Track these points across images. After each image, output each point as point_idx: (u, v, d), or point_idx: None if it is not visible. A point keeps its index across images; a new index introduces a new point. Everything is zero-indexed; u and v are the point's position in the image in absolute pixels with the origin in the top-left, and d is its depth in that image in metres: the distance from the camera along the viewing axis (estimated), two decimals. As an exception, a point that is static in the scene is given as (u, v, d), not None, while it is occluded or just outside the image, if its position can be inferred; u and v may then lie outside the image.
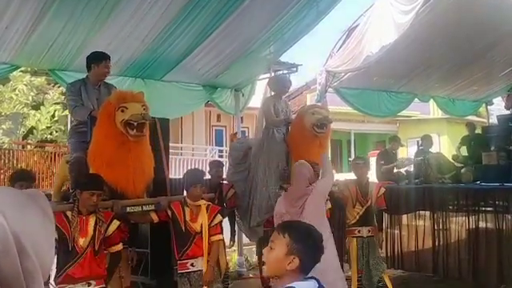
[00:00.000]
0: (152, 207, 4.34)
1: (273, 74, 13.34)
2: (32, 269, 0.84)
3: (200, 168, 13.37)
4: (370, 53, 6.46)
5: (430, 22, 6.41)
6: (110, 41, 5.62)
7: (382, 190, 5.66)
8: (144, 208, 4.32)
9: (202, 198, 4.43)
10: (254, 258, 8.47)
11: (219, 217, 4.43)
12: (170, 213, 4.30)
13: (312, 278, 2.00)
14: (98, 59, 4.88)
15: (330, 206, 5.16)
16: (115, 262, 3.95)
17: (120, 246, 3.91)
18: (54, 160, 10.78)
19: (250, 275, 7.81)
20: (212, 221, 4.32)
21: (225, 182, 6.25)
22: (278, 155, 5.97)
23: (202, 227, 4.25)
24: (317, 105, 6.56)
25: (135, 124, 4.11)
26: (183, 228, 4.24)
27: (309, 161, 5.21)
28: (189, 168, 13.68)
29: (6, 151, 10.36)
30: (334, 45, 7.37)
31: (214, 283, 4.44)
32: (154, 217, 4.34)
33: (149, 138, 4.51)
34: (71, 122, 5.16)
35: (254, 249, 8.66)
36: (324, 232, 4.24)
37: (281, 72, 12.68)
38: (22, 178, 4.47)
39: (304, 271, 2.00)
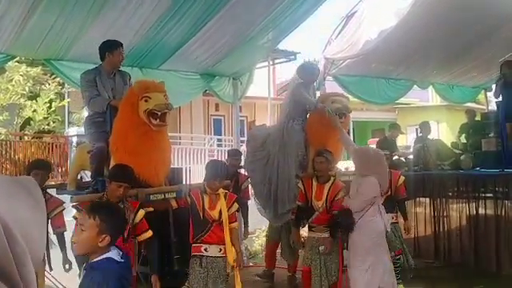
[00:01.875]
0: (173, 195, 4.46)
1: (271, 63, 13.35)
2: (21, 254, 0.83)
3: (203, 158, 13.43)
4: (368, 38, 6.41)
5: (428, 7, 6.33)
6: (105, 30, 5.53)
7: (402, 178, 5.64)
8: (166, 195, 4.44)
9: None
10: (254, 247, 8.49)
11: (236, 205, 4.50)
12: (189, 200, 4.38)
13: (115, 246, 2.40)
14: (112, 47, 4.88)
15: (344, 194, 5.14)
16: (152, 249, 4.04)
17: (150, 233, 3.97)
18: (52, 151, 10.76)
19: (250, 264, 7.82)
20: (230, 209, 4.41)
21: (242, 171, 6.28)
22: (297, 144, 5.94)
23: (220, 214, 4.33)
24: (337, 93, 6.46)
25: (159, 114, 4.18)
26: (201, 215, 4.31)
27: (326, 149, 5.21)
28: (188, 157, 13.71)
29: (3, 142, 10.32)
30: (333, 31, 7.30)
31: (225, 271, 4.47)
32: (174, 203, 4.49)
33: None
34: (90, 111, 5.11)
35: (254, 238, 8.68)
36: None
37: (280, 60, 12.69)
38: (38, 167, 4.53)
39: (113, 244, 2.38)
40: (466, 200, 6.17)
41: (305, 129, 5.98)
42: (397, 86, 8.77)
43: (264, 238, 7.45)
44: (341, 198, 4.96)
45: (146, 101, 4.19)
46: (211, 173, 4.41)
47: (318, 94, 6.71)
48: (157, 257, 4.03)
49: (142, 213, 3.91)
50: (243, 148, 7.62)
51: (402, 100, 16.07)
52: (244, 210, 6.17)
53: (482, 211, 6.01)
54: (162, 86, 4.41)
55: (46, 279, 4.56)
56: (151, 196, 4.30)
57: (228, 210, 4.36)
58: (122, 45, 4.94)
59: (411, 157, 8.09)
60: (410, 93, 9.85)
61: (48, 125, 11.65)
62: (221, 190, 4.41)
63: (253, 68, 7.93)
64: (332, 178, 5.10)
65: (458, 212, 6.31)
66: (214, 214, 4.31)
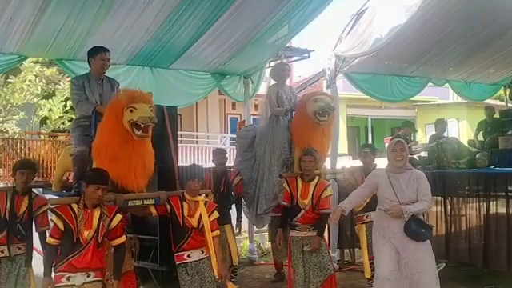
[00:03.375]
0: (152, 201, 4.44)
1: (284, 61, 13.30)
2: None
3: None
4: (379, 35, 6.33)
5: (440, 4, 6.24)
6: (114, 30, 5.64)
7: None
8: (144, 202, 4.43)
9: (199, 194, 4.51)
10: (266, 245, 8.50)
11: (216, 213, 4.52)
12: (168, 207, 4.41)
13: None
14: (93, 53, 5.02)
15: (331, 192, 5.18)
16: (121, 254, 4.03)
17: (123, 238, 3.99)
18: (65, 148, 10.96)
19: (262, 262, 7.84)
20: (210, 216, 4.43)
21: (231, 169, 6.27)
22: (281, 143, 5.97)
23: (199, 223, 4.36)
24: (319, 91, 6.49)
25: (142, 126, 4.23)
26: (181, 223, 4.36)
27: (314, 148, 5.21)
28: (204, 156, 13.79)
29: (19, 141, 10.57)
30: (343, 29, 7.23)
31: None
32: (153, 210, 4.47)
33: (156, 125, 4.54)
34: (77, 114, 5.26)
35: (267, 235, 8.70)
36: None
37: (293, 58, 12.59)
38: (24, 167, 4.57)
39: None
40: (478, 199, 6.05)
41: (290, 128, 5.98)
42: (411, 83, 8.63)
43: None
44: (328, 196, 5.00)
45: (131, 111, 4.23)
46: (188, 174, 4.51)
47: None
48: (122, 262, 4.03)
49: (118, 217, 3.90)
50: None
51: (422, 97, 15.89)
52: (238, 205, 6.18)
53: (494, 210, 5.89)
54: (148, 97, 4.44)
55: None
56: (129, 202, 4.31)
57: (210, 220, 4.39)
58: (105, 50, 5.02)
59: (423, 154, 7.98)
60: (429, 90, 9.68)
61: (63, 123, 11.89)
62: (200, 198, 4.43)
63: (263, 66, 7.93)
64: (317, 177, 5.12)
65: (469, 211, 6.19)
66: (194, 221, 4.35)
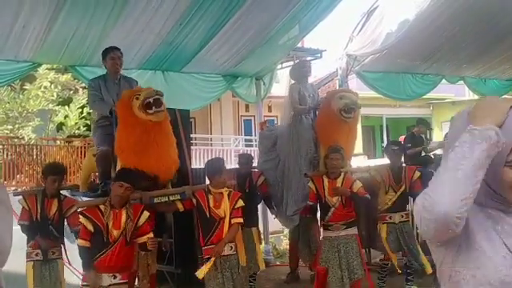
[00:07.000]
0: (178, 197, 4.49)
1: (297, 61, 13.29)
2: None
3: (227, 158, 13.51)
4: (389, 30, 6.28)
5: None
6: (125, 35, 5.70)
7: (417, 173, 5.45)
8: (170, 198, 4.48)
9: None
10: (282, 246, 8.49)
11: (241, 202, 4.47)
12: (194, 201, 4.42)
13: None
14: (104, 54, 5.20)
15: (361, 184, 5.04)
16: (142, 251, 4.13)
17: (149, 236, 4.01)
18: (81, 154, 11.11)
19: (277, 263, 7.82)
20: (234, 205, 4.40)
21: (255, 169, 6.20)
22: (306, 142, 5.91)
23: (225, 212, 4.35)
24: (345, 89, 6.41)
25: (151, 101, 4.33)
26: (208, 214, 4.35)
27: (338, 146, 5.15)
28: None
29: (35, 147, 10.76)
30: (354, 28, 7.18)
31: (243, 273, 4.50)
32: (180, 206, 4.50)
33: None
34: (96, 116, 5.38)
35: (282, 237, 8.69)
36: None
37: (303, 59, 12.49)
38: (55, 173, 4.67)
39: None
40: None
41: (314, 126, 5.94)
42: (424, 81, 8.55)
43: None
44: (359, 187, 4.91)
45: (136, 98, 4.39)
46: (213, 169, 4.47)
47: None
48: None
49: (145, 215, 3.95)
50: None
51: (437, 95, 15.71)
52: (269, 204, 6.16)
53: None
54: (150, 88, 4.63)
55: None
56: (155, 199, 4.37)
57: (234, 206, 4.38)
58: (113, 49, 5.17)
59: (438, 152, 7.87)
60: (444, 88, 9.53)
61: (78, 129, 12.06)
62: (225, 189, 4.43)
63: (275, 67, 7.93)
64: (342, 173, 5.04)
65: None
66: (220, 212, 4.34)
